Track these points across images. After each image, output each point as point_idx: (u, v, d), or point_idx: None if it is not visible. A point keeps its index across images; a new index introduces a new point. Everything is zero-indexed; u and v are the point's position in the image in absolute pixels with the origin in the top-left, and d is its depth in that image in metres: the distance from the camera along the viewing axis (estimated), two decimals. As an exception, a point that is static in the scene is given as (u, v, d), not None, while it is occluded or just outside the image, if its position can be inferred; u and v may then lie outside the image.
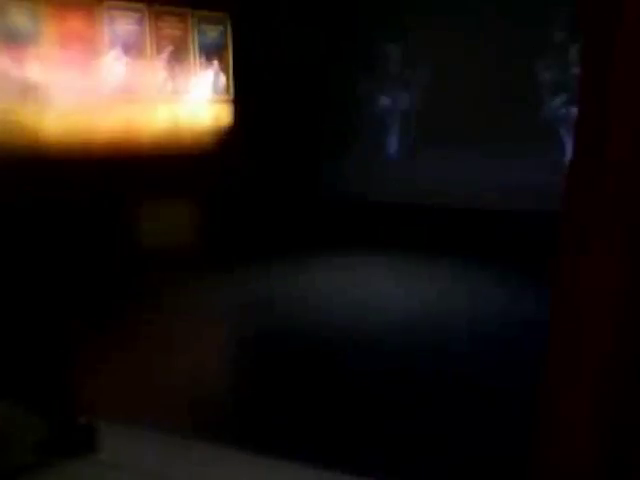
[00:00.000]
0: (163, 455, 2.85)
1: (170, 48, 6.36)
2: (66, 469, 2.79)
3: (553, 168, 5.77)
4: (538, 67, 6.73)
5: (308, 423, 3.22)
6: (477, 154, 6.98)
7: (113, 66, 5.90)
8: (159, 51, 6.27)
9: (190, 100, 6.63)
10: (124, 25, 5.95)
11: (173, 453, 2.86)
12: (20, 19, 5.18)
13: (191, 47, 6.59)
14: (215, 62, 6.84)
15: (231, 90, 7.04)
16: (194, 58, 6.63)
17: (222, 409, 3.43)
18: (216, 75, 6.87)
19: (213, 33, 6.82)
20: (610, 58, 1.77)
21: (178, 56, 6.45)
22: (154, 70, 6.25)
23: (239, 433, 3.09)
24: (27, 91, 5.21)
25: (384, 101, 7.47)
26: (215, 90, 6.88)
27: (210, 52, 6.78)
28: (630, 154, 1.82)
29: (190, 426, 3.16)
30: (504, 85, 6.75)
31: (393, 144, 7.51)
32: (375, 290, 5.47)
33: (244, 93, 7.09)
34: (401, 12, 7.21)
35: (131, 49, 6.02)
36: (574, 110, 5.42)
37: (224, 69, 6.95)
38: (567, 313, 1.93)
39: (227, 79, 6.99)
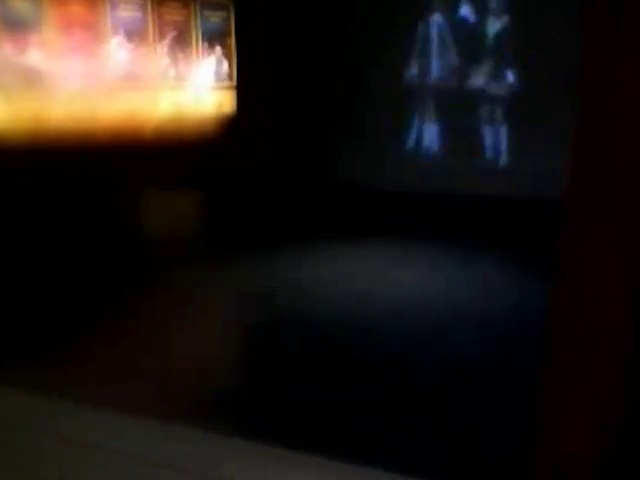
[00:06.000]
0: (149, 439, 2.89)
1: (173, 34, 6.33)
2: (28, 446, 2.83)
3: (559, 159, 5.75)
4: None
5: (303, 412, 3.24)
6: (480, 141, 6.99)
7: (116, 52, 5.87)
8: (162, 37, 6.24)
9: (193, 87, 6.61)
10: (127, 11, 5.92)
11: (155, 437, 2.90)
12: (22, 5, 5.16)
13: (194, 33, 6.55)
14: (218, 48, 6.80)
15: (234, 77, 7.02)
16: (197, 44, 6.60)
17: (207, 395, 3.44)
18: (219, 61, 6.84)
19: (216, 19, 6.78)
20: (613, 49, 1.77)
21: (181, 42, 6.42)
22: (157, 56, 6.23)
23: (234, 422, 3.12)
24: (29, 78, 5.20)
25: (390, 88, 7.43)
26: (218, 77, 6.86)
27: (213, 38, 6.74)
28: (635, 153, 1.82)
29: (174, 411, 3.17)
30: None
31: (399, 132, 7.48)
32: (383, 279, 5.47)
33: (247, 80, 7.06)
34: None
35: (134, 35, 5.99)
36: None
37: (227, 55, 6.91)
38: (568, 309, 1.93)
39: (230, 66, 6.96)
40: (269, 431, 2.95)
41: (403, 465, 2.66)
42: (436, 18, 7.12)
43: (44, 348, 3.91)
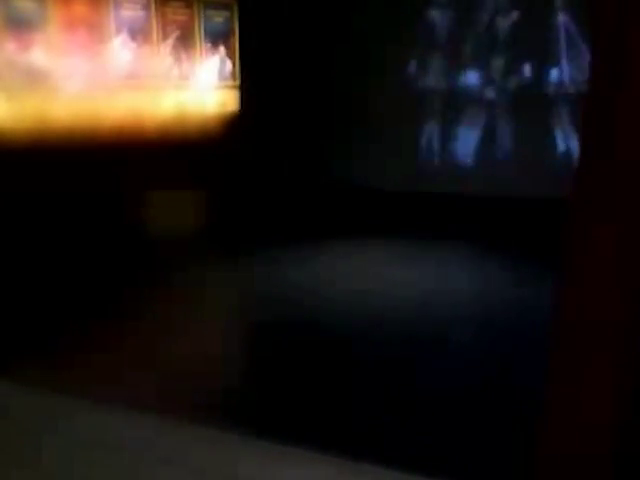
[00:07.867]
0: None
1: (176, 34, 6.34)
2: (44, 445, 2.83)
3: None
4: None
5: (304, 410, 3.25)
6: (479, 141, 7.03)
7: (119, 51, 5.88)
8: (165, 37, 6.25)
9: (196, 86, 6.62)
10: (130, 10, 5.93)
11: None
12: (26, 5, 5.17)
13: (197, 33, 6.56)
14: (221, 48, 6.81)
15: (237, 76, 7.02)
16: (200, 44, 6.60)
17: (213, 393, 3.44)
18: (222, 61, 6.85)
19: (219, 19, 6.79)
20: (622, 54, 1.77)
21: (184, 42, 6.43)
22: (160, 56, 6.23)
23: (237, 420, 3.12)
24: (33, 77, 5.21)
25: (389, 87, 7.43)
26: (221, 76, 6.86)
27: (216, 38, 6.75)
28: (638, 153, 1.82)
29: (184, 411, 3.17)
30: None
31: (398, 130, 7.49)
32: (384, 277, 5.46)
33: (250, 79, 7.07)
34: None
35: (137, 35, 6.00)
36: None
37: (230, 55, 6.92)
38: (573, 310, 1.93)
39: (233, 65, 6.97)
40: (279, 429, 2.96)
41: (412, 464, 2.67)
42: (445, 14, 7.14)
43: (49, 346, 3.92)
